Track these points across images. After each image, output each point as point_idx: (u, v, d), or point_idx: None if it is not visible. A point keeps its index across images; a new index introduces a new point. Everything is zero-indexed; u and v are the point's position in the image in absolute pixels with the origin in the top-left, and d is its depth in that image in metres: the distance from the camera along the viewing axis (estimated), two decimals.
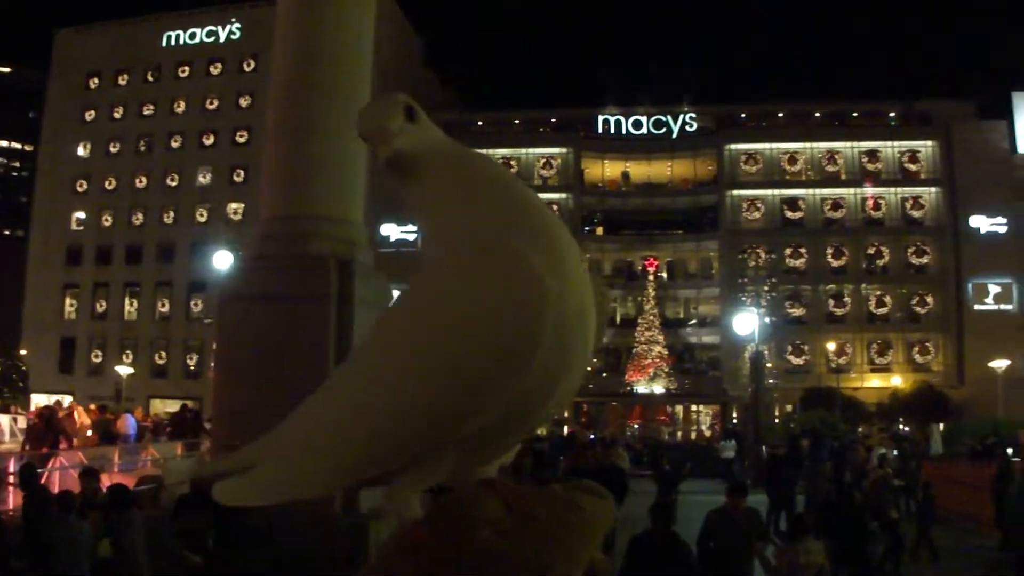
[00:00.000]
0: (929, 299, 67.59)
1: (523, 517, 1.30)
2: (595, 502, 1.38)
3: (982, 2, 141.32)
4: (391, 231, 66.61)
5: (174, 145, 73.96)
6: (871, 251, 68.36)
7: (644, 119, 71.95)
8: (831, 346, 65.46)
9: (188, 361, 70.90)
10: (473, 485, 1.39)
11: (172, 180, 73.59)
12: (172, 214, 73.31)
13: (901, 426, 56.30)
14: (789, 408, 60.51)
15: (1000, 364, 55.44)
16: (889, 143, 70.71)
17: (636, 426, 62.52)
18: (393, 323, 1.52)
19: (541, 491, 1.41)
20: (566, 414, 52.08)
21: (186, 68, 75.18)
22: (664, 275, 70.47)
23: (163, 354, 71.86)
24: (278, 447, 1.55)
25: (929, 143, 69.79)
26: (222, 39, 74.79)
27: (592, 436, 36.23)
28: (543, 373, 1.35)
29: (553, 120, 75.26)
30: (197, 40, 75.31)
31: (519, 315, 1.31)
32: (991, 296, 66.35)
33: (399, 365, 1.38)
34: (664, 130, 71.74)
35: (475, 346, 1.31)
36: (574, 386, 1.47)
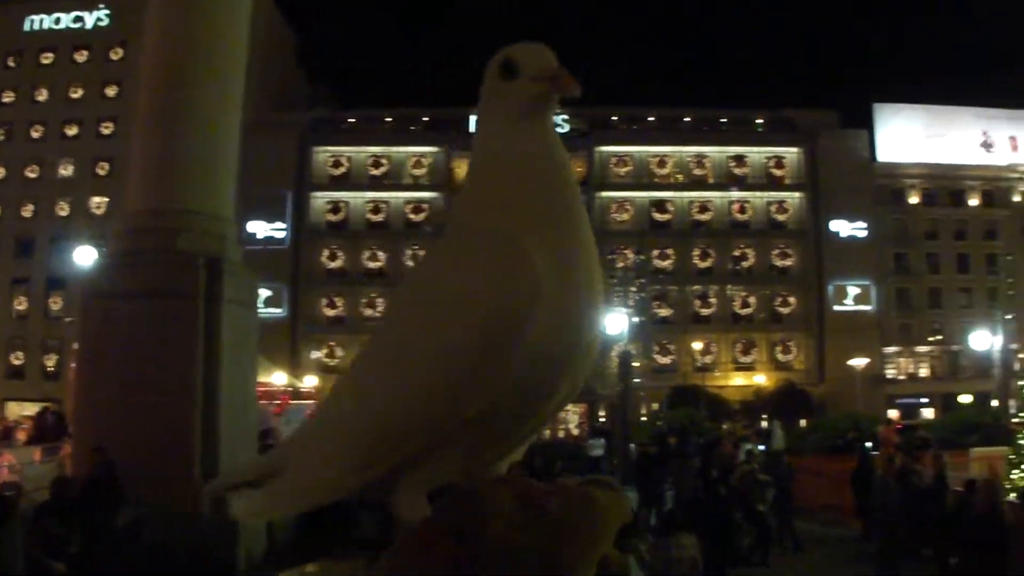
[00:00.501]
0: (792, 300, 69.67)
1: (535, 509, 1.27)
2: (608, 495, 1.35)
3: (847, 15, 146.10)
4: (258, 228, 65.53)
5: (35, 135, 70.60)
6: (737, 253, 70.06)
7: None
8: (697, 345, 66.88)
9: (46, 362, 67.48)
10: (482, 481, 1.36)
11: (32, 172, 70.27)
12: (31, 207, 70.14)
13: (764, 423, 57.72)
14: (655, 406, 61.42)
15: (858, 362, 57.47)
16: (756, 149, 72.79)
17: None
18: (392, 306, 1.51)
19: (552, 485, 1.36)
20: None
21: (49, 55, 71.82)
22: None
23: (20, 355, 68.61)
24: (299, 453, 1.50)
25: (794, 150, 71.97)
26: (89, 25, 71.73)
27: None
28: (540, 367, 1.31)
29: (425, 119, 74.80)
30: (62, 25, 72.04)
31: (503, 301, 1.29)
32: (851, 297, 68.76)
33: (393, 350, 1.37)
34: None
35: (456, 327, 1.29)
36: (576, 387, 1.41)
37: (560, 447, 45.22)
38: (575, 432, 64.06)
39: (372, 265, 71.27)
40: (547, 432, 64.50)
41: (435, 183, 71.59)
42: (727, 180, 72.02)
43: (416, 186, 71.38)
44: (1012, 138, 73.26)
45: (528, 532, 1.25)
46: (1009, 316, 54.53)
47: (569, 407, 65.70)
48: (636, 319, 56.53)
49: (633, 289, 60.07)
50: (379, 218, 72.14)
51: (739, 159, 72.67)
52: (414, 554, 1.26)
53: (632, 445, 35.37)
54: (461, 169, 72.57)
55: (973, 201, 72.70)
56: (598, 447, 36.77)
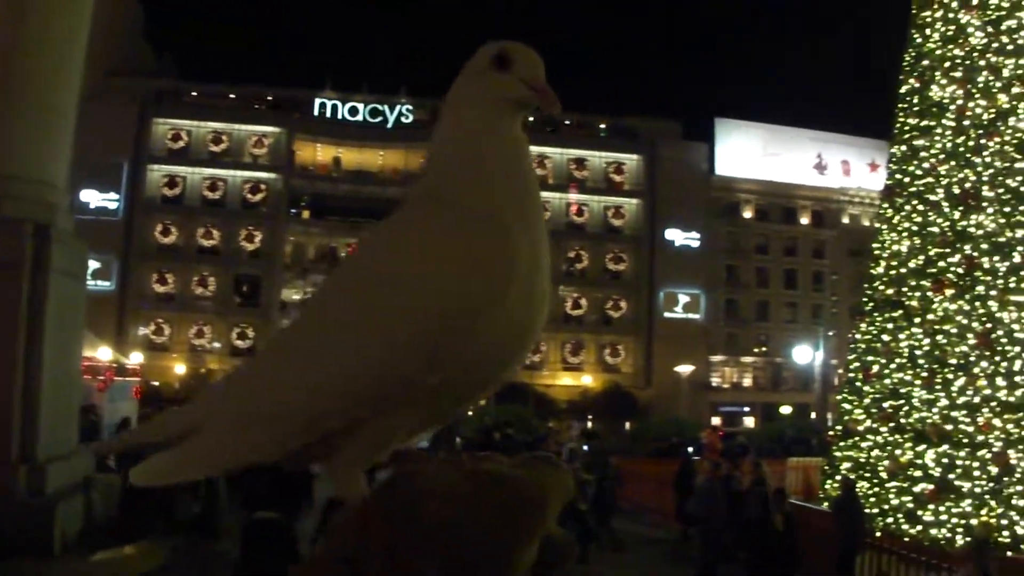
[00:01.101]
0: (623, 304, 70.67)
1: (480, 487, 1.33)
2: (550, 473, 1.38)
3: (695, 30, 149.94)
4: (91, 197, 62.91)
5: None
6: (572, 255, 70.54)
7: (361, 106, 71.23)
8: None
9: None
10: (418, 461, 1.40)
11: None
12: None
13: (590, 423, 58.31)
14: (483, 402, 61.45)
15: (684, 369, 58.63)
16: (597, 153, 73.70)
17: None
18: (347, 275, 1.52)
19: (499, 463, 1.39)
20: None
21: None
22: None
23: None
24: (218, 417, 1.45)
25: (635, 157, 73.08)
26: None
27: None
28: (507, 337, 1.39)
29: (269, 98, 73.01)
30: None
31: (489, 267, 1.35)
32: (680, 305, 70.23)
33: (362, 312, 1.38)
34: (380, 119, 71.33)
35: (445, 294, 1.34)
36: (522, 362, 1.45)
37: None
38: None
39: (206, 243, 69.01)
40: None
41: (275, 164, 69.83)
42: (567, 182, 72.49)
43: (255, 165, 69.46)
44: (844, 162, 76.32)
45: (468, 509, 1.29)
46: (831, 332, 56.57)
47: None
48: None
49: None
50: (216, 195, 69.72)
51: (580, 162, 73.39)
52: (351, 535, 1.29)
53: (458, 438, 35.06)
54: (303, 151, 71.18)
55: (804, 220, 75.35)
56: (423, 438, 36.41)
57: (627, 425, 51.77)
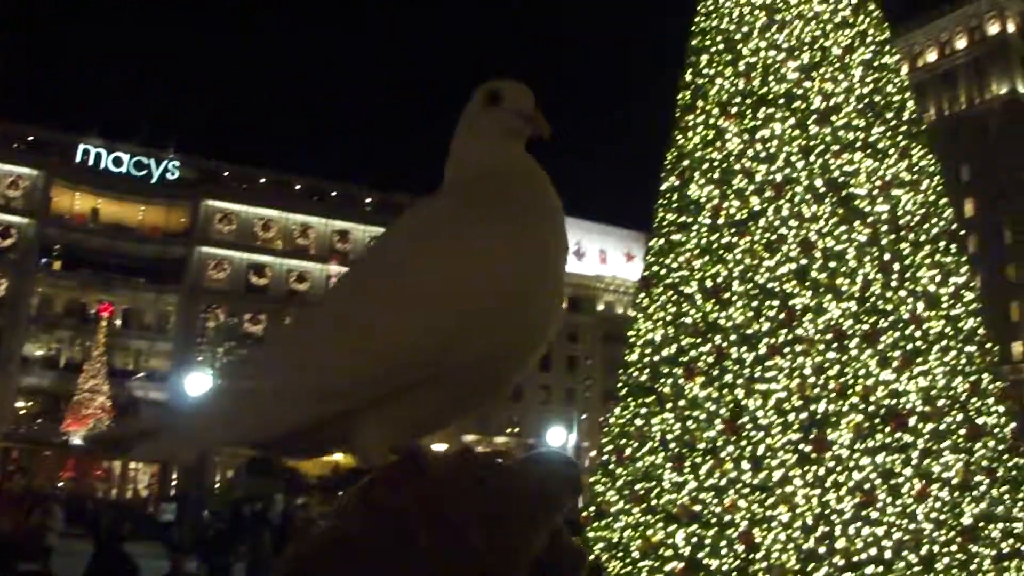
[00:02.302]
0: None
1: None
2: (550, 469, 1.39)
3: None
4: None
5: None
6: None
7: (127, 157, 69.01)
8: None
9: None
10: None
11: None
12: None
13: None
14: (231, 473, 59.72)
15: (436, 448, 58.40)
16: (361, 226, 73.28)
17: (69, 480, 58.36)
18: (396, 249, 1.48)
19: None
20: None
21: None
22: (118, 322, 67.27)
23: None
24: (225, 394, 1.46)
25: None
26: None
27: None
28: (531, 332, 1.43)
29: (30, 138, 69.24)
30: None
31: (527, 257, 1.40)
32: None
33: (407, 287, 1.39)
34: (145, 172, 69.27)
35: (483, 275, 1.38)
36: (526, 372, 1.48)
37: (127, 509, 42.64)
38: (144, 493, 60.91)
39: None
40: (114, 492, 61.13)
41: (28, 208, 66.17)
42: (328, 253, 71.99)
43: (7, 208, 65.61)
44: (602, 251, 79.38)
45: (519, 481, 1.33)
46: (584, 416, 58.01)
47: (140, 466, 62.40)
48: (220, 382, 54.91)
49: (221, 351, 58.41)
50: None
51: (343, 234, 73.15)
52: (383, 493, 1.31)
53: (206, 512, 33.96)
54: (60, 198, 67.90)
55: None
56: (169, 511, 35.04)
57: None
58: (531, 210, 1.45)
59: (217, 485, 53.61)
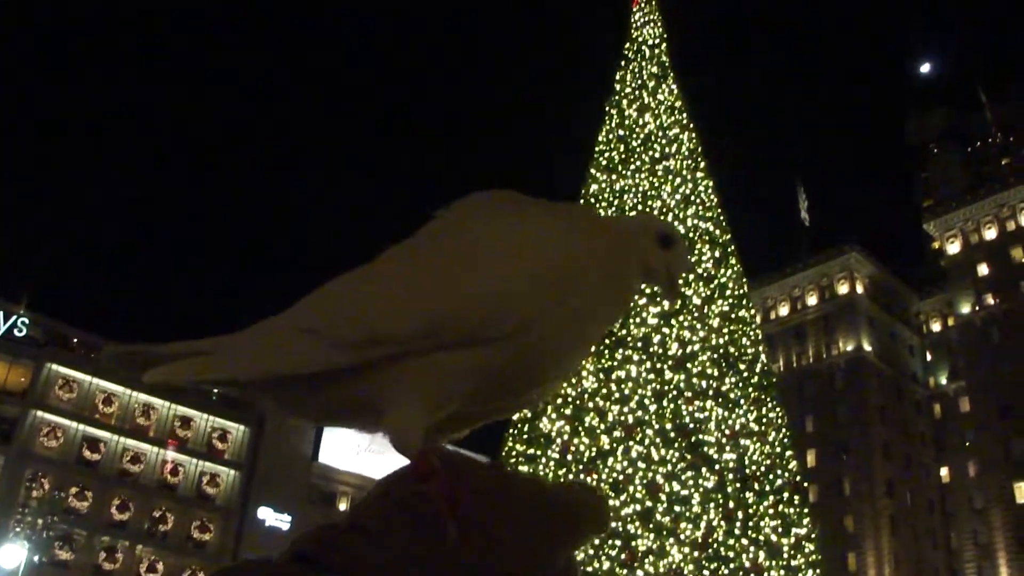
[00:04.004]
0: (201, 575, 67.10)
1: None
2: (588, 498, 1.36)
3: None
4: None
5: None
6: (157, 514, 66.73)
7: None
8: None
9: None
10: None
11: None
12: None
13: None
14: None
15: None
16: (204, 415, 71.45)
17: None
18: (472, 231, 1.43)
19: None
20: None
21: None
22: None
23: None
24: (259, 329, 1.40)
25: (241, 428, 71.73)
26: None
27: None
28: (569, 340, 1.37)
29: None
30: None
31: (583, 265, 1.37)
32: None
33: (468, 255, 1.37)
34: None
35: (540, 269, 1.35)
36: (549, 392, 1.45)
37: None
38: None
39: None
40: None
41: None
42: (167, 437, 69.57)
43: None
44: None
45: (553, 494, 1.32)
46: None
47: None
48: (35, 557, 52.05)
49: (40, 523, 55.25)
50: None
51: (186, 421, 70.94)
52: (407, 488, 1.31)
53: None
54: None
55: None
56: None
57: None
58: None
59: None
